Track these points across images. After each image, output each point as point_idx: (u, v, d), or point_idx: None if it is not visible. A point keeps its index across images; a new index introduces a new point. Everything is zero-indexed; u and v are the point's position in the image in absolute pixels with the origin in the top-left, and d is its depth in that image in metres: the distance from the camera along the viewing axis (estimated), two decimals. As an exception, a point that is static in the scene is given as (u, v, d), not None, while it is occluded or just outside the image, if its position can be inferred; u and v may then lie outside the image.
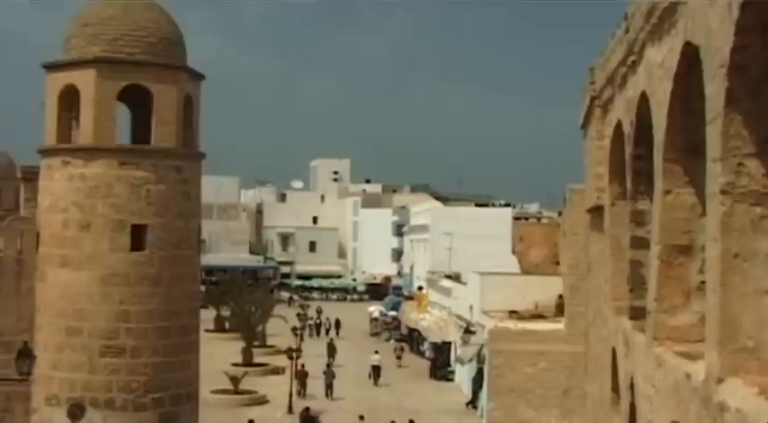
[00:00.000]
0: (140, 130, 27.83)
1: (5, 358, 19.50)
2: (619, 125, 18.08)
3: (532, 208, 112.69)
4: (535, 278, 45.13)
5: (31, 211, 28.41)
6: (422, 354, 58.19)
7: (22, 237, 27.41)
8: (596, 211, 24.08)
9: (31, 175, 29.22)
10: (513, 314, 39.72)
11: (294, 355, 46.21)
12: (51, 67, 26.80)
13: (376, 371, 53.26)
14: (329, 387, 48.66)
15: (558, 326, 35.60)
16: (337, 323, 71.69)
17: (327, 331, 71.99)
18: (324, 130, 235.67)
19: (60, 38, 27.28)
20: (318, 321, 74.11)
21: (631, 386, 14.84)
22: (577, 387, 33.55)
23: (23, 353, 20.84)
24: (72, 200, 25.92)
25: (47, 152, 26.86)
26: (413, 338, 63.50)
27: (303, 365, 48.39)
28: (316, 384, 48.66)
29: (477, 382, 43.83)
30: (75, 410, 24.97)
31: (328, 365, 51.46)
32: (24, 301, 26.89)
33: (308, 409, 40.83)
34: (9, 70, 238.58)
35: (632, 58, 15.17)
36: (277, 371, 52.92)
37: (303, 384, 47.83)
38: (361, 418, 39.37)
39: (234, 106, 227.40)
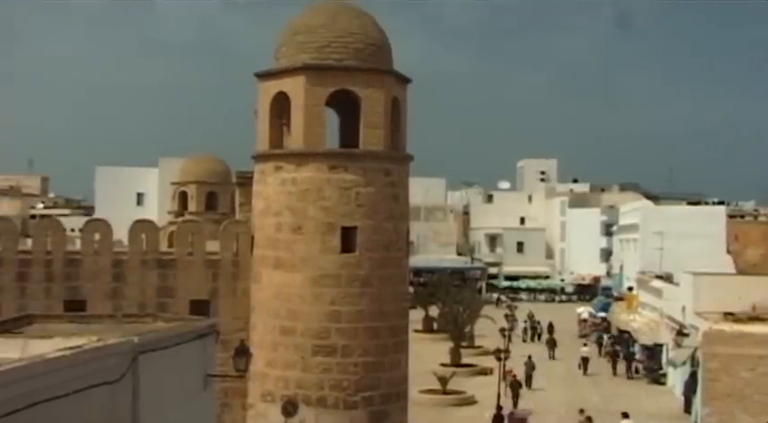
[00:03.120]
0: (348, 134, 28.36)
1: (223, 356, 20.25)
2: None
3: (748, 205, 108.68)
4: (752, 278, 43.57)
5: (246, 215, 29.36)
6: (632, 355, 57.03)
7: (237, 240, 28.40)
8: (817, 209, 22.97)
9: (245, 180, 30.17)
10: (728, 316, 38.34)
11: (502, 356, 46.02)
12: (263, 75, 27.71)
13: (585, 362, 56.07)
14: (528, 378, 49.99)
15: (778, 329, 34.18)
16: (550, 327, 69.32)
17: (539, 336, 70.51)
18: (530, 130, 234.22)
19: (271, 46, 28.22)
20: (531, 325, 72.98)
21: None
22: (799, 393, 32.14)
23: (240, 351, 21.60)
24: (284, 203, 26.70)
25: (260, 158, 27.77)
26: (623, 340, 62.23)
27: (515, 376, 47.61)
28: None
29: (691, 386, 42.52)
30: (289, 407, 25.72)
31: (529, 357, 51.70)
32: (240, 302, 27.91)
33: (500, 408, 40.58)
34: (225, 79, 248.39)
35: None
36: (485, 372, 52.89)
37: (516, 394, 46.16)
38: (581, 411, 39.02)
39: (440, 107, 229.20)
